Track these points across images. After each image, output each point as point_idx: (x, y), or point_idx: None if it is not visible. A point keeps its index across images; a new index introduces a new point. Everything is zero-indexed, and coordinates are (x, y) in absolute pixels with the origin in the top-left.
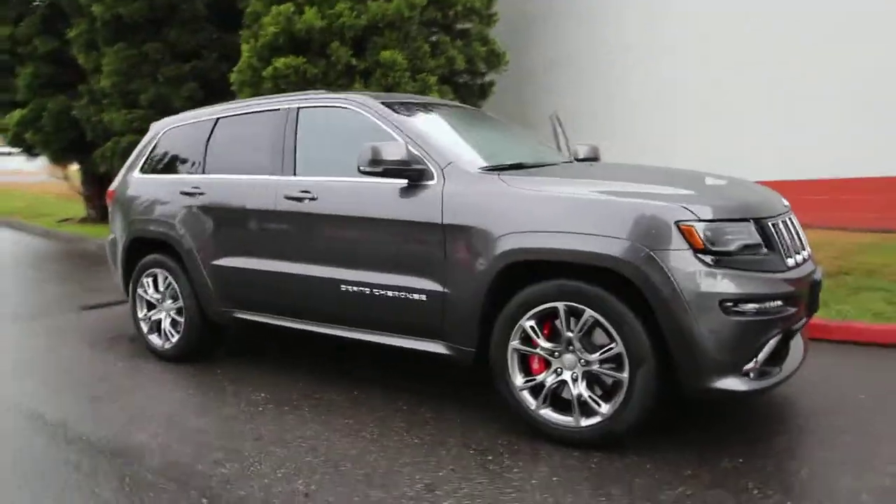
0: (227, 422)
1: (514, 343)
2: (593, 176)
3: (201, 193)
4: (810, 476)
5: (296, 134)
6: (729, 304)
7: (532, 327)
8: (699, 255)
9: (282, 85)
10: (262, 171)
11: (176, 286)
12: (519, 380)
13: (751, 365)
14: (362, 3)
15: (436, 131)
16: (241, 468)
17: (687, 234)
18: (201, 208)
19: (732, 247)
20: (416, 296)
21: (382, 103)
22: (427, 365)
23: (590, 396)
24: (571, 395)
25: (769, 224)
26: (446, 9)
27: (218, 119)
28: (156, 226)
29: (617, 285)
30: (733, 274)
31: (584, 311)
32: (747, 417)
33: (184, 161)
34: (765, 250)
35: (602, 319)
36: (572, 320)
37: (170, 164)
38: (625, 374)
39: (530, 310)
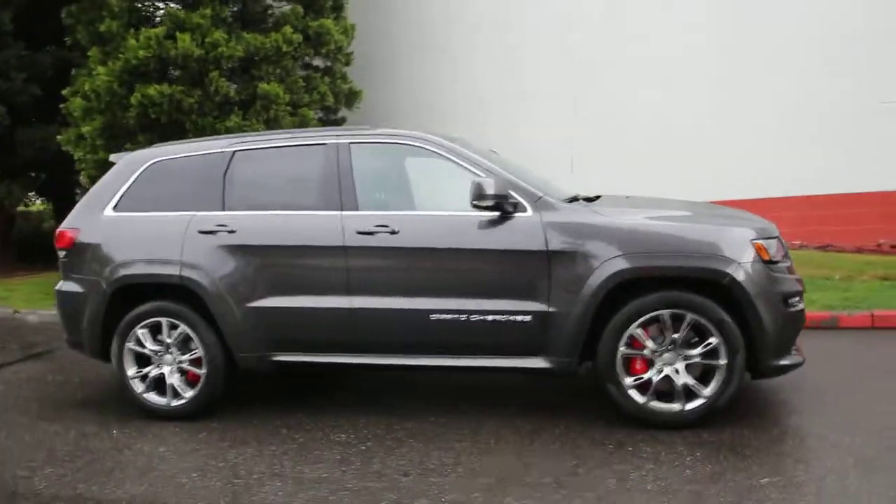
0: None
1: (622, 349)
2: (661, 206)
3: (230, 231)
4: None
5: (352, 169)
6: (786, 299)
7: (639, 333)
8: (766, 264)
9: (152, 114)
10: (314, 206)
11: (192, 334)
12: (628, 380)
13: (794, 345)
14: (237, 34)
15: (502, 166)
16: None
17: (758, 250)
18: (232, 247)
19: (778, 257)
20: (520, 317)
21: (444, 140)
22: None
23: (693, 384)
24: (676, 385)
25: (781, 239)
26: (318, 46)
27: (235, 152)
28: (162, 268)
29: (708, 291)
30: (784, 277)
31: (685, 315)
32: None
33: (189, 197)
34: (788, 259)
35: (703, 321)
36: (674, 323)
37: (164, 201)
38: (723, 361)
39: (638, 318)
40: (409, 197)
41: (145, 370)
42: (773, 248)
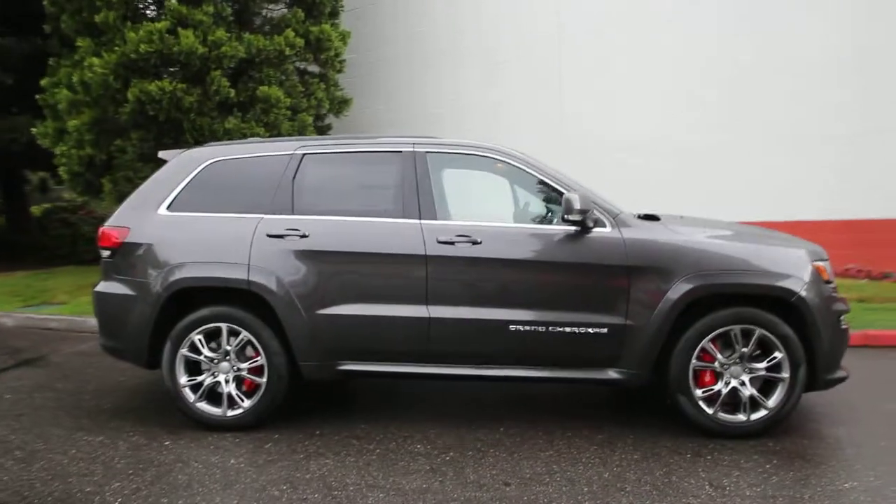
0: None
1: (694, 361)
2: (718, 227)
3: (303, 236)
4: None
5: (429, 178)
6: (840, 317)
7: (710, 347)
8: (824, 284)
9: (150, 111)
10: (391, 214)
11: (255, 341)
12: (699, 392)
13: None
14: (237, 34)
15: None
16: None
17: (818, 270)
18: (304, 252)
19: (832, 278)
20: (597, 330)
21: (519, 153)
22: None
23: (758, 396)
24: (742, 397)
25: None
26: (318, 52)
27: (304, 155)
28: (228, 272)
29: (775, 308)
30: (836, 296)
31: (755, 330)
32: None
33: (253, 199)
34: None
35: (770, 336)
36: (743, 338)
37: (225, 203)
38: (786, 375)
39: (710, 333)
40: (486, 208)
41: (199, 378)
42: (828, 269)
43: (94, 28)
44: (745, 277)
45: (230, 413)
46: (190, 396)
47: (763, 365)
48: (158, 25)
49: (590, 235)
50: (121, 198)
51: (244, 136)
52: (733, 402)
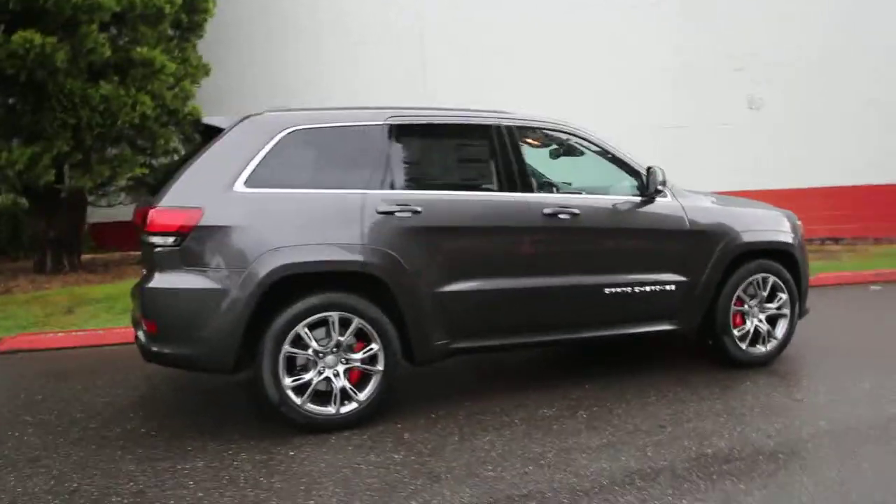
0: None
1: (733, 307)
2: (729, 198)
3: (414, 212)
4: None
5: (521, 152)
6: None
7: (742, 294)
8: (802, 239)
9: (8, 69)
10: (489, 187)
11: (369, 328)
12: (736, 332)
13: None
14: None
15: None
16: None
17: (801, 229)
18: (418, 229)
19: None
20: (668, 287)
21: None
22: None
23: (770, 329)
24: (762, 332)
25: None
26: (193, 14)
27: (396, 126)
28: (342, 255)
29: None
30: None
31: (770, 278)
32: None
33: (345, 173)
34: None
35: (778, 280)
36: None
37: (310, 177)
38: (787, 311)
39: (742, 282)
40: (571, 180)
41: (306, 377)
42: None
43: None
44: (768, 235)
45: (343, 410)
46: (296, 398)
47: (774, 305)
48: None
49: (659, 204)
50: None
51: (125, 105)
52: (754, 337)
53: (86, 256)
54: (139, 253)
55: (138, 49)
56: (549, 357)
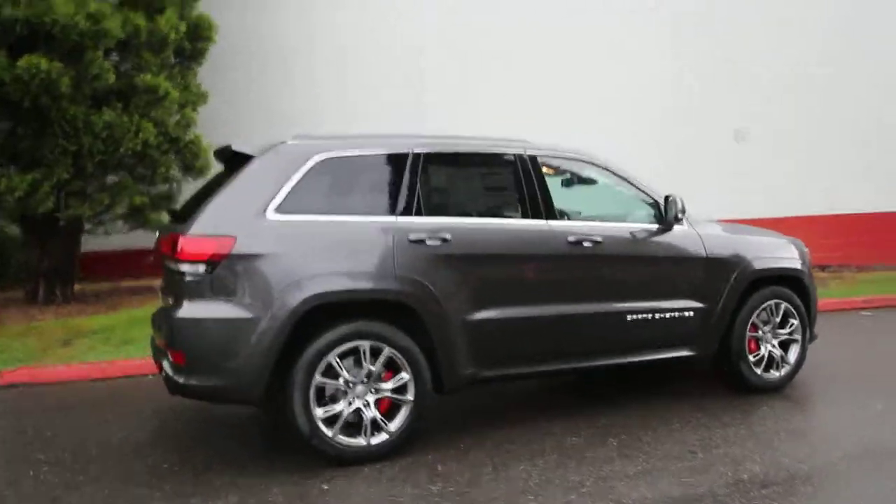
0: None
1: (748, 333)
2: (737, 226)
3: (444, 240)
4: None
5: (545, 181)
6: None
7: (757, 320)
8: (810, 266)
9: (13, 95)
10: (514, 215)
11: (400, 357)
12: (751, 358)
13: None
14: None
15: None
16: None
17: (808, 256)
18: (448, 257)
19: None
20: (687, 313)
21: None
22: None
23: (783, 355)
24: (776, 357)
25: None
26: (196, 41)
27: (424, 154)
28: (375, 282)
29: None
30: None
31: (782, 304)
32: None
33: (373, 200)
34: None
35: (790, 307)
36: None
37: (342, 204)
38: (798, 336)
39: (757, 308)
40: (589, 209)
41: (337, 408)
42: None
43: None
44: (779, 262)
45: (374, 441)
46: (327, 430)
47: (786, 331)
48: None
49: (677, 231)
50: None
51: (128, 132)
52: (768, 362)
53: (76, 287)
54: (131, 283)
55: (142, 76)
56: (563, 384)
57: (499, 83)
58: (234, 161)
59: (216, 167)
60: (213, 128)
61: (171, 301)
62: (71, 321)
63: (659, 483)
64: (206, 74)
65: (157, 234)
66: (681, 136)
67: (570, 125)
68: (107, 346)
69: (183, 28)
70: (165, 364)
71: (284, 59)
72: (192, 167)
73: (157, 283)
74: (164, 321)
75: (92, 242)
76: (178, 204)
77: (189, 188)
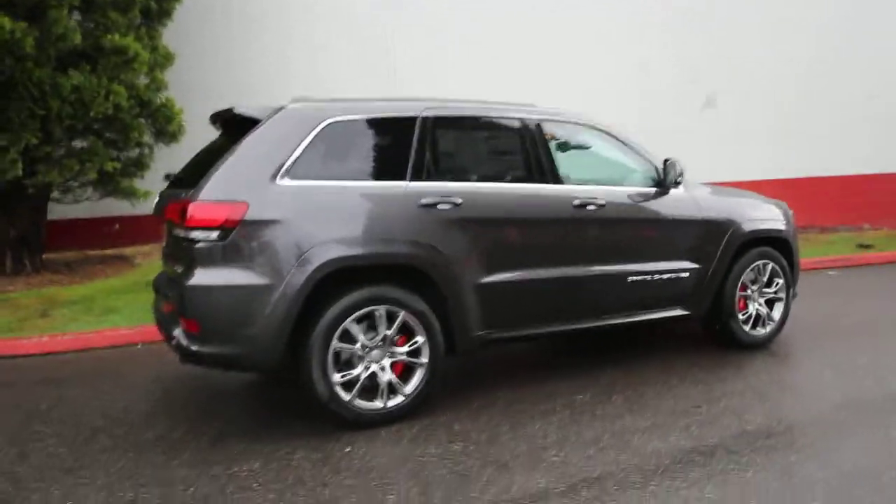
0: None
1: (738, 292)
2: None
3: (455, 204)
4: None
5: (548, 146)
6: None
7: (746, 279)
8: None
9: None
10: (522, 179)
11: (415, 321)
12: (741, 316)
13: None
14: None
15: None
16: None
17: (792, 217)
18: (459, 221)
19: None
20: (683, 274)
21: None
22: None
23: (768, 312)
24: (762, 315)
25: None
26: (164, 1)
27: (434, 118)
28: (389, 247)
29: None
30: None
31: (769, 263)
32: None
33: (383, 165)
34: None
35: (777, 266)
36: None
37: (352, 169)
38: (783, 295)
39: (747, 268)
40: (591, 173)
41: (355, 372)
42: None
43: None
44: (767, 224)
45: (391, 404)
46: (344, 395)
47: (772, 290)
48: None
49: (674, 194)
50: None
51: (97, 95)
52: (755, 320)
53: (44, 256)
54: (99, 252)
55: (109, 36)
56: (560, 344)
57: (472, 67)
58: (235, 125)
59: (192, 131)
60: (178, 91)
61: (179, 268)
62: (45, 291)
63: (670, 436)
64: (170, 36)
65: (157, 199)
66: (668, 124)
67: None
68: (88, 317)
69: None
70: (177, 332)
71: (252, 21)
72: (164, 132)
73: (128, 251)
74: (175, 289)
75: (56, 210)
76: (151, 171)
77: (162, 154)
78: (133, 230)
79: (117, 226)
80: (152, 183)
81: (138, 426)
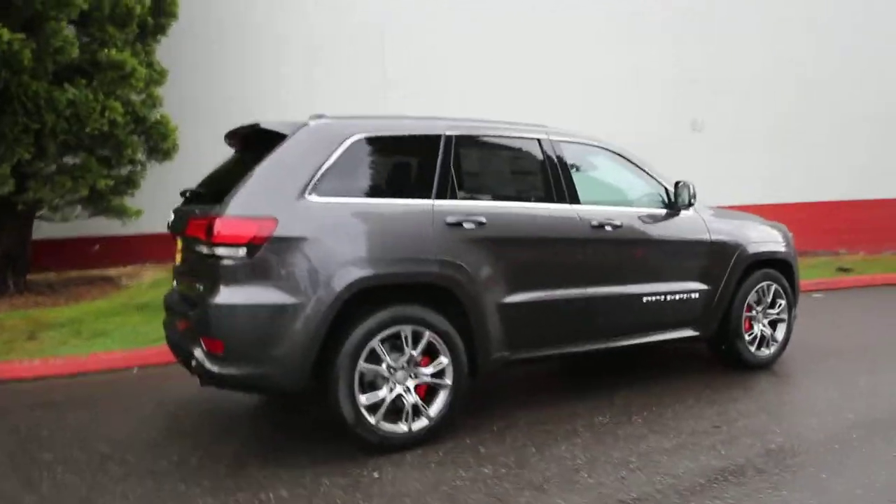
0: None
1: (745, 313)
2: (727, 212)
3: (480, 223)
4: None
5: (567, 166)
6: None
7: (751, 301)
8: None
9: None
10: (542, 199)
11: (440, 341)
12: (747, 336)
13: None
14: None
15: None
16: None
17: (792, 240)
18: (484, 240)
19: None
20: (694, 295)
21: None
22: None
23: (773, 334)
24: (766, 336)
25: None
26: (159, 16)
27: (457, 137)
28: (418, 266)
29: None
30: None
31: (773, 285)
32: None
33: (410, 183)
34: None
35: (779, 288)
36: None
37: (378, 186)
38: (785, 316)
39: (752, 290)
40: (606, 194)
41: (381, 395)
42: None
43: None
44: (770, 246)
45: (416, 426)
46: (373, 418)
47: (776, 311)
48: None
49: (685, 216)
50: None
51: (93, 111)
52: (760, 340)
53: (29, 277)
54: (82, 273)
55: (106, 51)
56: (570, 366)
57: (472, 67)
58: (257, 140)
59: (186, 149)
60: (170, 108)
61: (201, 286)
62: (31, 313)
63: (699, 456)
64: (163, 52)
65: (172, 215)
66: (666, 131)
67: (556, 115)
68: (77, 340)
69: (148, 2)
70: (197, 352)
71: (245, 37)
72: (158, 149)
73: (112, 273)
74: (196, 308)
75: (41, 229)
76: (141, 190)
77: (154, 172)
78: (120, 251)
79: (97, 246)
80: (142, 201)
81: (150, 452)
